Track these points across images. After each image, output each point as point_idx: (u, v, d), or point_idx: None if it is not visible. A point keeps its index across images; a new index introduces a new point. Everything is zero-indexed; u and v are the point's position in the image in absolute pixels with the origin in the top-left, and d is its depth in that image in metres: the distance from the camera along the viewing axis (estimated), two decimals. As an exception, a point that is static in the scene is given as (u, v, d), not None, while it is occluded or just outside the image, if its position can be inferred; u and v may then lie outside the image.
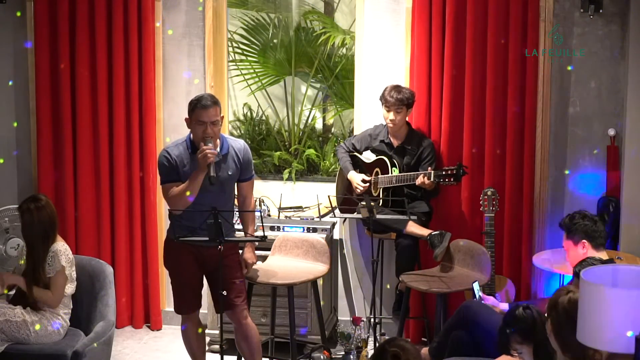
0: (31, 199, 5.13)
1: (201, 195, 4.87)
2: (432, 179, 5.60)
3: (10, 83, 6.31)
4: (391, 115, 5.79)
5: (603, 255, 4.81)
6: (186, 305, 5.11)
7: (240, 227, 5.25)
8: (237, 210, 5.06)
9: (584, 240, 4.84)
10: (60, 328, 5.07)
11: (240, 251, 5.14)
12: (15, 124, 6.37)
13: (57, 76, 6.27)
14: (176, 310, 5.15)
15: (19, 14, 6.23)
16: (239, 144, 5.03)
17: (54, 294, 5.03)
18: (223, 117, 4.96)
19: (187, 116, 4.93)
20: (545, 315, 4.23)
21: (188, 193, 4.81)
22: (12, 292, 5.19)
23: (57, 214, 5.18)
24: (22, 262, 5.15)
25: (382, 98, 5.82)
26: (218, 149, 4.91)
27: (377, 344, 5.44)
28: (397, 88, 5.79)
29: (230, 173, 4.95)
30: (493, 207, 5.67)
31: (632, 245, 5.61)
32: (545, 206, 5.96)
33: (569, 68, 5.84)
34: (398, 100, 5.74)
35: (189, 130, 4.95)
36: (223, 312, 4.94)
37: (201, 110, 4.80)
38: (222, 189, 4.94)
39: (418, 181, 5.64)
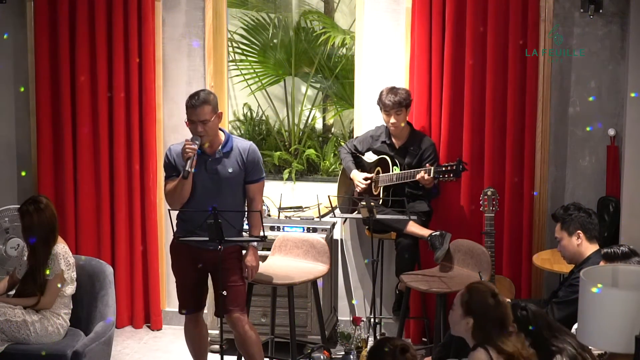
0: (31, 201, 5.11)
1: (201, 194, 4.89)
2: (432, 175, 5.59)
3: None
4: (392, 119, 5.78)
5: (595, 247, 4.84)
6: (186, 305, 5.13)
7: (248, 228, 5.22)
8: (235, 210, 5.04)
9: (579, 232, 4.84)
10: (60, 328, 5.06)
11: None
12: (15, 123, 6.39)
13: (57, 76, 6.27)
14: (179, 310, 5.18)
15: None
16: (245, 144, 5.02)
17: (47, 296, 5.01)
18: (221, 113, 4.96)
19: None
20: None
21: (182, 186, 4.85)
22: (12, 292, 5.19)
23: (57, 214, 5.17)
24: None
25: (380, 103, 5.81)
26: (220, 147, 4.92)
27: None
28: (392, 90, 5.78)
29: (230, 171, 4.94)
30: (493, 207, 5.67)
31: (632, 245, 5.59)
32: (545, 206, 5.96)
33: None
34: (396, 103, 5.73)
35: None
36: (223, 313, 4.94)
37: (190, 109, 4.87)
38: (220, 187, 4.93)
39: (418, 176, 5.63)
